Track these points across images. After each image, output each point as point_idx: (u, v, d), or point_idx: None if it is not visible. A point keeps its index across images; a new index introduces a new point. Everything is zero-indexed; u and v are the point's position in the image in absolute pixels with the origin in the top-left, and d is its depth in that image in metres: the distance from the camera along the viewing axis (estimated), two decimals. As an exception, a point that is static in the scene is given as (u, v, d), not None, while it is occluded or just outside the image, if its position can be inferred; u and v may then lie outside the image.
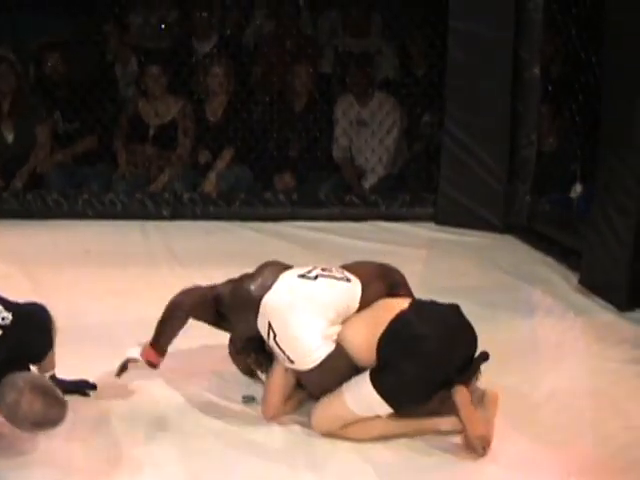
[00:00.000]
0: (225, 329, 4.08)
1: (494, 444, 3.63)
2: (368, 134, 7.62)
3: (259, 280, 3.92)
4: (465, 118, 6.97)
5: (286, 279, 3.89)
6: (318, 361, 3.71)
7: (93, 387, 4.09)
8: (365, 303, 3.86)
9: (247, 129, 7.56)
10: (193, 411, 3.98)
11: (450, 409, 3.69)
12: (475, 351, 3.74)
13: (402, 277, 4.12)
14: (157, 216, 7.22)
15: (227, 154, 7.54)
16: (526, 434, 3.75)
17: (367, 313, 3.82)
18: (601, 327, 5.10)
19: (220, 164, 7.52)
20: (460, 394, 3.64)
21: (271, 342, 3.80)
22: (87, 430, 3.80)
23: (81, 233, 6.79)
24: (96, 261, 6.07)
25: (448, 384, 3.66)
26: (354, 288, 3.87)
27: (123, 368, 4.04)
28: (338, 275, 3.90)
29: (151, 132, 7.55)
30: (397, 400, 3.64)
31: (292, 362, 3.76)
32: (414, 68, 7.88)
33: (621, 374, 4.43)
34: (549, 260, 6.29)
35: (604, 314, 5.28)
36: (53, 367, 4.03)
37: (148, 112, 7.55)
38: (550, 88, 6.86)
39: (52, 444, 3.66)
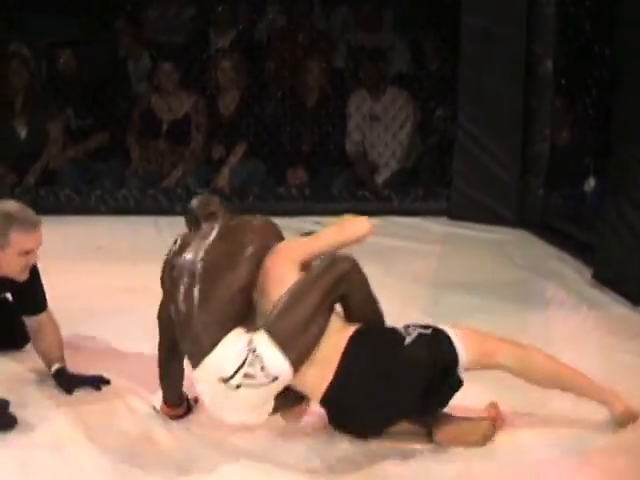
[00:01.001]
0: None
1: (500, 444, 3.60)
2: (381, 129, 7.62)
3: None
4: (478, 112, 6.96)
5: (206, 373, 3.45)
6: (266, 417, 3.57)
7: (106, 382, 4.11)
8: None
9: (260, 124, 7.58)
10: (201, 409, 3.96)
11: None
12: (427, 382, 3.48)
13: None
14: (170, 212, 7.21)
15: (240, 149, 7.55)
16: (535, 431, 3.73)
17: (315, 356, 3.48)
18: (614, 321, 5.08)
19: (233, 159, 7.53)
20: (440, 435, 3.57)
21: None
22: (96, 423, 3.80)
23: (93, 229, 6.81)
24: (108, 257, 6.07)
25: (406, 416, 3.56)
26: (280, 383, 3.45)
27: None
28: (260, 380, 3.40)
29: (164, 127, 7.57)
30: (344, 431, 3.61)
31: None
32: (427, 62, 7.87)
33: (634, 368, 4.41)
34: (563, 255, 6.26)
35: (617, 308, 5.26)
36: (62, 360, 4.06)
37: (161, 107, 7.57)
38: (563, 82, 6.85)
39: (58, 433, 3.70)
